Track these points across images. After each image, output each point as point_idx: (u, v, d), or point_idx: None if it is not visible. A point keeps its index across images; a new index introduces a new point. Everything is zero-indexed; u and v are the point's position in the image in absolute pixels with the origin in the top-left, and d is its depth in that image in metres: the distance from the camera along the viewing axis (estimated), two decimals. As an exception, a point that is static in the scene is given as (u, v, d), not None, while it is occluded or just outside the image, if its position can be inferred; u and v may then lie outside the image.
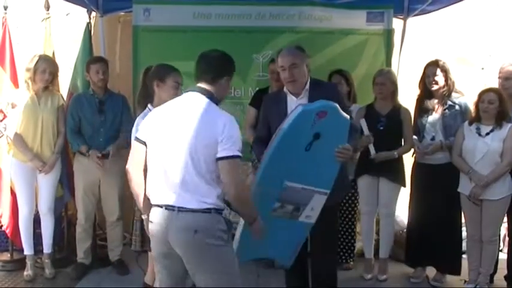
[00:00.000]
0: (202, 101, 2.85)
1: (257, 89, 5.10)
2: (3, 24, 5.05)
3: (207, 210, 2.77)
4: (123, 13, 5.73)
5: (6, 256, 4.96)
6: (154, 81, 3.66)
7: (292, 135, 3.25)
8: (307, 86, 3.62)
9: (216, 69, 2.94)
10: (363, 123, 4.51)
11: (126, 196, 4.54)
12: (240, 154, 2.76)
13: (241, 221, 3.16)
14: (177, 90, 3.58)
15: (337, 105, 3.35)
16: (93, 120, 4.65)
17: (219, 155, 2.73)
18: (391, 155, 4.52)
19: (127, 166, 2.98)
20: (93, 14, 5.55)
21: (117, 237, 4.86)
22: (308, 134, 3.27)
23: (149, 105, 3.70)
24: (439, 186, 4.45)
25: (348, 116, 3.44)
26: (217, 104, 2.89)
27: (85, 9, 5.44)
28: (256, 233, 2.98)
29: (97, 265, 4.87)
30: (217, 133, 2.74)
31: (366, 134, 4.50)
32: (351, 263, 5.02)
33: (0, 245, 5.12)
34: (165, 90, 3.61)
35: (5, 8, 5.04)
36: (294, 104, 3.56)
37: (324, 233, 3.63)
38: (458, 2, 4.98)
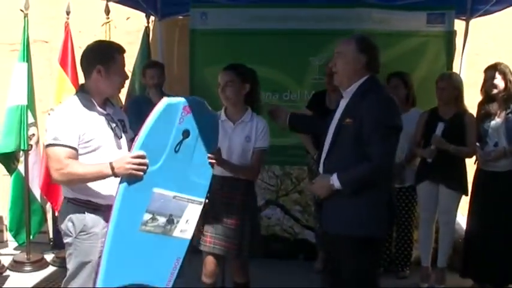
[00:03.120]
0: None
1: (313, 92, 5.04)
2: (65, 28, 5.21)
3: (64, 199, 2.96)
4: (181, 17, 5.80)
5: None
6: None
7: (159, 132, 2.81)
8: (353, 87, 3.09)
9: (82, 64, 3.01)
10: (440, 126, 4.37)
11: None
12: (52, 142, 2.76)
13: (107, 242, 2.73)
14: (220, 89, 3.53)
15: (204, 101, 3.02)
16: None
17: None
18: (447, 146, 4.35)
19: None
20: (152, 18, 5.65)
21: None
22: (177, 132, 2.86)
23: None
24: (503, 194, 4.28)
25: (216, 113, 3.15)
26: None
27: (144, 14, 5.55)
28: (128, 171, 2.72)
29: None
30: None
31: (436, 134, 4.38)
32: (407, 271, 4.89)
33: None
34: None
35: (68, 13, 5.20)
36: (342, 103, 3.18)
37: (345, 271, 3.10)
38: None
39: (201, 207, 2.97)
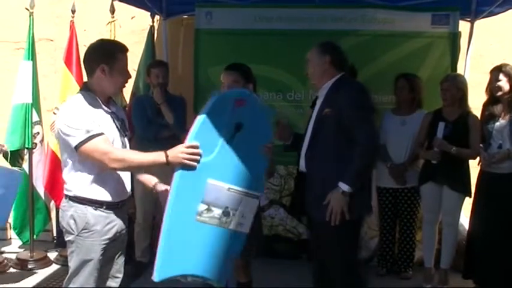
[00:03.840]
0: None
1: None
2: (70, 27, 5.24)
3: (66, 197, 2.92)
4: (186, 16, 5.80)
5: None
6: None
7: (212, 123, 2.85)
8: (326, 86, 3.38)
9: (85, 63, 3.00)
10: (441, 126, 4.39)
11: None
12: (86, 136, 2.72)
13: (163, 231, 2.76)
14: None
15: (256, 95, 3.14)
16: (154, 122, 4.70)
17: (73, 145, 2.76)
18: (449, 148, 4.36)
19: None
20: (157, 17, 5.66)
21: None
22: (229, 124, 2.90)
23: None
24: (506, 196, 4.26)
25: (268, 107, 3.20)
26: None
27: (149, 13, 5.56)
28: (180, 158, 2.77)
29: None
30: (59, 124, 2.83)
31: (437, 136, 4.38)
32: (410, 272, 4.88)
33: (64, 241, 5.25)
34: None
35: (73, 11, 5.22)
36: (318, 102, 3.43)
37: (322, 259, 3.39)
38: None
39: (257, 201, 2.99)
